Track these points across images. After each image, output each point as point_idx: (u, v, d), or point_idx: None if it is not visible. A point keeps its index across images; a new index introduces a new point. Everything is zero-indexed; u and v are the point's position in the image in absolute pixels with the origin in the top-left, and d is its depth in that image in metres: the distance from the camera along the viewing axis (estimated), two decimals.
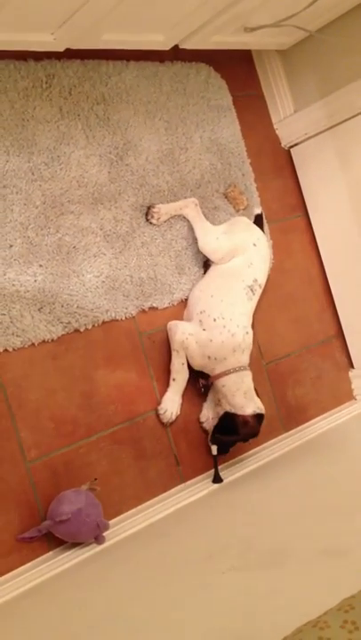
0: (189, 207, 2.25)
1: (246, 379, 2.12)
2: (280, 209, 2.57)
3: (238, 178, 2.44)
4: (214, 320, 2.11)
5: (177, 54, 2.33)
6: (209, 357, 2.11)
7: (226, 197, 2.39)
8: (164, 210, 2.21)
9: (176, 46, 2.15)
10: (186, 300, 2.23)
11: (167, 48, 2.14)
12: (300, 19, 2.15)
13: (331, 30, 2.34)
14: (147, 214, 2.19)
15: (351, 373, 2.63)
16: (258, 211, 2.44)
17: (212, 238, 2.22)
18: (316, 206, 2.61)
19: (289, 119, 2.59)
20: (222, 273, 2.20)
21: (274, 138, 2.63)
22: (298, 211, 2.63)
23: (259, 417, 2.11)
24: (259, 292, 2.24)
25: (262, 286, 2.27)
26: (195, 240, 2.26)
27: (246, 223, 2.32)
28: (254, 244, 2.25)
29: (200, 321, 2.13)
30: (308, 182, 2.61)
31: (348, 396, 2.61)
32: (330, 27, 2.34)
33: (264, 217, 2.46)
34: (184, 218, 2.26)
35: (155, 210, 2.19)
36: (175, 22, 1.98)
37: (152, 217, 2.19)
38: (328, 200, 2.55)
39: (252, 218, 2.41)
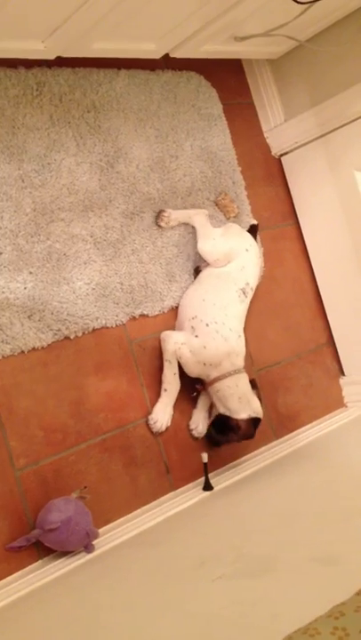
0: (200, 215, 2.29)
1: (241, 382, 2.11)
2: (271, 217, 2.58)
3: (229, 186, 2.45)
4: (207, 325, 2.11)
5: (168, 63, 2.34)
6: (204, 364, 2.10)
7: (217, 205, 2.39)
8: (174, 215, 2.24)
9: (167, 55, 2.16)
10: (177, 307, 2.23)
11: (158, 57, 2.15)
12: (290, 28, 2.16)
13: (321, 40, 2.36)
14: (157, 217, 2.22)
15: (342, 381, 2.63)
16: (254, 221, 2.46)
17: (209, 240, 2.25)
18: (306, 214, 2.62)
19: (279, 128, 2.61)
20: (214, 277, 2.21)
21: (264, 146, 2.64)
22: (289, 219, 2.64)
23: (254, 421, 2.11)
24: (250, 294, 2.25)
25: (253, 289, 2.27)
26: (185, 247, 2.27)
27: (239, 229, 2.34)
28: (247, 250, 2.27)
29: (192, 327, 2.13)
30: (299, 190, 2.62)
31: (339, 403, 2.61)
32: (320, 36, 2.36)
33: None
34: (176, 226, 2.27)
35: (165, 214, 2.22)
36: (166, 31, 1.99)
37: (161, 220, 2.22)
38: (318, 208, 2.56)
39: (247, 227, 2.42)
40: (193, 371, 2.13)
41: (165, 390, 2.13)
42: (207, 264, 2.25)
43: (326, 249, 2.58)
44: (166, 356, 2.12)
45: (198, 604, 1.40)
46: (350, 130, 2.39)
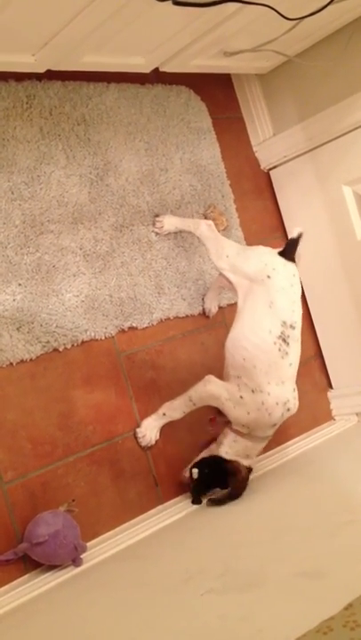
0: (202, 226, 2.13)
1: (258, 447, 2.06)
2: (260, 230, 2.59)
3: (218, 199, 2.46)
4: (252, 391, 1.97)
5: (158, 77, 2.35)
6: (248, 413, 2.00)
7: (206, 218, 2.40)
8: (167, 220, 2.22)
9: (157, 69, 2.17)
10: (166, 320, 2.23)
11: (148, 71, 2.16)
12: (279, 44, 2.18)
13: (309, 55, 2.38)
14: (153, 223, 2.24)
15: (330, 394, 2.64)
16: (295, 233, 2.06)
17: (222, 255, 2.05)
18: (294, 227, 2.62)
19: (268, 142, 2.62)
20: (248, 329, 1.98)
21: (253, 160, 2.66)
22: (277, 232, 2.65)
23: (249, 470, 2.06)
24: (295, 335, 1.96)
25: (297, 326, 1.96)
26: (174, 260, 2.27)
27: (262, 253, 2.06)
28: (268, 277, 1.96)
29: (238, 385, 1.99)
30: (287, 204, 2.64)
31: (327, 416, 2.62)
32: (308, 52, 2.38)
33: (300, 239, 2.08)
34: (165, 238, 2.27)
35: (158, 219, 2.23)
36: (155, 46, 2.00)
37: (155, 226, 2.23)
38: (306, 221, 2.57)
39: (240, 240, 2.42)
40: (240, 421, 2.01)
41: (164, 415, 2.09)
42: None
43: (314, 262, 2.59)
44: (194, 397, 2.04)
45: (185, 618, 1.40)
46: (339, 144, 2.42)
